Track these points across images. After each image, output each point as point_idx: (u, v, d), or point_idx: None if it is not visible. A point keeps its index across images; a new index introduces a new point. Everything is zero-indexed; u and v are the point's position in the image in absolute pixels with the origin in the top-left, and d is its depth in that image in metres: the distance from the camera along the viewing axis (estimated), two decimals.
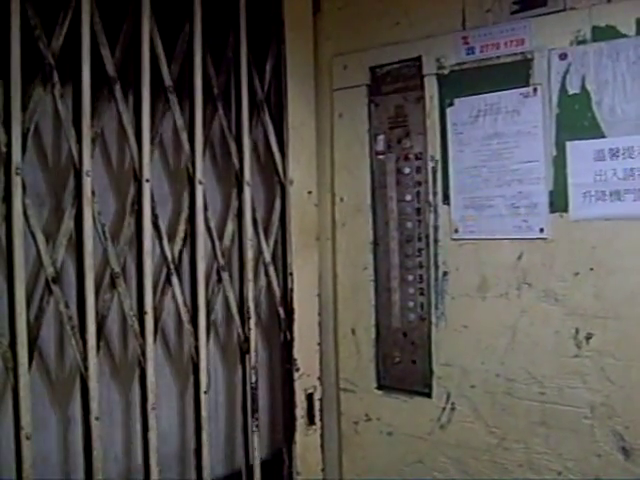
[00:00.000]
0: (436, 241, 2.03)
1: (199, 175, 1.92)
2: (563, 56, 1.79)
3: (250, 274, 2.06)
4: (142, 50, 1.79)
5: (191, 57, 1.92)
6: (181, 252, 1.90)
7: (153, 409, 1.78)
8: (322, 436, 2.27)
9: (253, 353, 2.06)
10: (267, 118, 2.14)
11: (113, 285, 1.73)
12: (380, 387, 2.16)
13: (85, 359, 1.66)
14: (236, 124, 2.07)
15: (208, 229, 1.96)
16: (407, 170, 2.09)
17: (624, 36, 1.70)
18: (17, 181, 1.53)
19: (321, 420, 2.27)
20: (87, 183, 1.65)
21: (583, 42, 1.76)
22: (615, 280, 1.73)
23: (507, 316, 1.89)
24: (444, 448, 2.02)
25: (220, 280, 2.00)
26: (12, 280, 1.53)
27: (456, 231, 1.99)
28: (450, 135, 1.99)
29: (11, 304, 1.53)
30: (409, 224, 2.09)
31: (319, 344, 2.27)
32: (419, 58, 2.04)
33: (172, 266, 1.86)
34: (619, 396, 1.73)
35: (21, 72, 1.53)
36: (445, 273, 2.01)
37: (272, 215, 2.17)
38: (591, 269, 1.76)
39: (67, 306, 1.63)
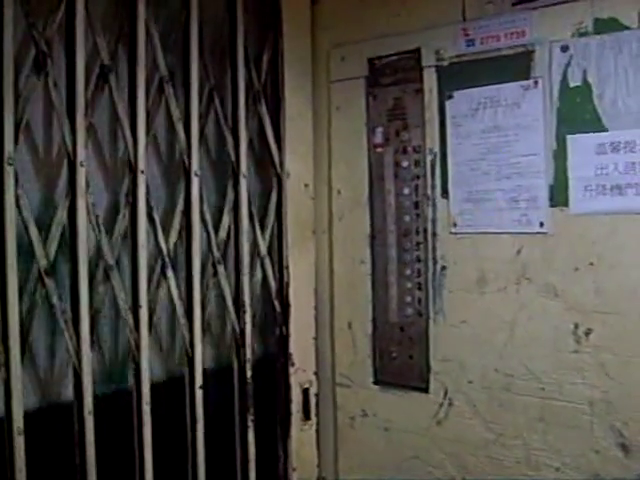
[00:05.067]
0: (434, 235, 2.01)
1: (195, 167, 1.90)
2: (564, 48, 1.77)
3: (246, 267, 2.04)
4: (138, 39, 1.76)
5: (187, 47, 1.89)
6: (176, 245, 1.88)
7: (147, 404, 1.76)
8: (318, 431, 2.25)
9: (248, 347, 2.04)
10: (264, 110, 2.11)
11: (107, 278, 1.71)
12: (377, 382, 2.14)
13: (78, 352, 1.63)
14: (232, 115, 2.05)
15: (204, 221, 1.94)
16: (405, 163, 2.06)
17: (627, 28, 1.68)
18: (9, 171, 1.50)
19: (317, 415, 2.25)
20: (81, 174, 1.63)
21: (585, 34, 1.74)
22: (615, 275, 1.71)
23: (506, 311, 1.88)
24: (441, 444, 2.01)
25: (216, 273, 1.97)
26: (4, 272, 1.50)
27: (455, 225, 1.97)
28: (449, 128, 1.97)
29: (3, 297, 1.51)
30: (407, 218, 2.07)
31: (315, 339, 2.25)
32: (418, 50, 2.02)
33: (167, 259, 1.84)
34: (618, 392, 1.71)
35: (14, 60, 1.50)
36: (443, 267, 1.99)
37: (268, 208, 2.15)
38: (591, 264, 1.74)
39: (60, 299, 1.61)
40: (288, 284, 2.16)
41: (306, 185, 2.22)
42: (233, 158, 2.03)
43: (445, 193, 1.98)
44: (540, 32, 1.80)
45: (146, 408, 1.76)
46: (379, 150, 2.12)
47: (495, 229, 1.89)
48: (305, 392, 2.21)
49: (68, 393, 1.69)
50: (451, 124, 1.96)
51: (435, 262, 2.00)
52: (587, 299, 1.75)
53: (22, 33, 1.53)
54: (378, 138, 2.12)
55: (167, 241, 1.85)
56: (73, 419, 1.65)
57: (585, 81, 1.74)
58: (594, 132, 1.73)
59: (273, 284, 2.14)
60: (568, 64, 1.76)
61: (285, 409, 2.17)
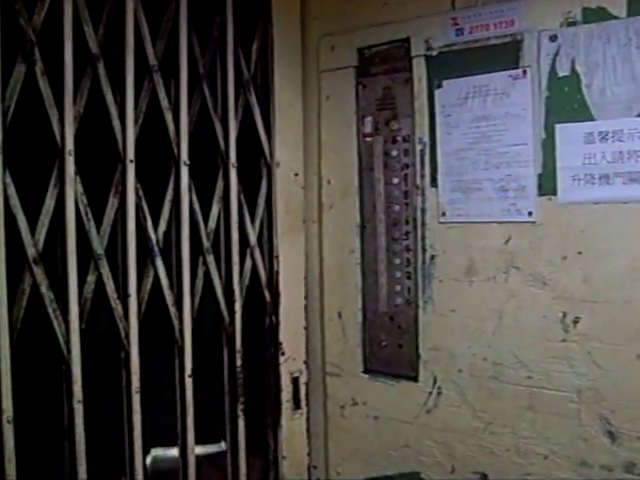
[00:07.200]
0: (423, 224, 2.01)
1: (184, 156, 1.89)
2: (553, 38, 1.77)
3: (235, 257, 2.04)
4: (126, 28, 1.75)
5: (176, 36, 1.88)
6: (165, 234, 1.88)
7: (137, 392, 1.76)
8: (308, 420, 2.26)
9: (238, 337, 2.04)
10: (253, 99, 2.11)
11: (96, 267, 1.70)
12: (366, 371, 2.15)
13: (68, 342, 1.63)
14: (222, 105, 2.04)
15: (193, 211, 1.93)
16: (395, 152, 2.07)
17: (615, 18, 1.68)
18: None
19: (307, 404, 2.25)
20: (70, 163, 1.62)
21: (573, 23, 1.74)
22: (603, 264, 1.72)
23: (494, 300, 1.88)
24: (430, 432, 2.02)
25: (205, 263, 1.97)
26: None
27: (444, 214, 1.97)
28: (438, 117, 1.97)
29: None
30: (396, 207, 2.07)
31: (305, 328, 2.25)
32: (407, 39, 2.01)
33: (156, 248, 1.84)
34: (606, 380, 1.72)
35: (1, 48, 1.49)
36: (432, 257, 1.99)
37: (258, 197, 2.14)
38: (579, 253, 1.75)
39: (49, 288, 1.60)
40: (278, 273, 2.16)
41: (296, 175, 2.22)
42: (222, 147, 2.02)
43: (434, 182, 1.99)
44: (529, 21, 1.80)
45: (136, 397, 1.76)
46: (369, 139, 2.12)
47: (484, 218, 1.90)
48: (295, 381, 2.21)
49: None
50: (440, 113, 1.96)
51: (424, 251, 2.01)
52: (575, 288, 1.76)
53: (9, 21, 1.51)
54: (368, 127, 2.12)
55: (156, 230, 1.84)
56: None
57: (573, 70, 1.75)
58: (582, 121, 1.73)
59: (263, 273, 2.14)
60: (557, 53, 1.77)
61: (275, 398, 2.17)
